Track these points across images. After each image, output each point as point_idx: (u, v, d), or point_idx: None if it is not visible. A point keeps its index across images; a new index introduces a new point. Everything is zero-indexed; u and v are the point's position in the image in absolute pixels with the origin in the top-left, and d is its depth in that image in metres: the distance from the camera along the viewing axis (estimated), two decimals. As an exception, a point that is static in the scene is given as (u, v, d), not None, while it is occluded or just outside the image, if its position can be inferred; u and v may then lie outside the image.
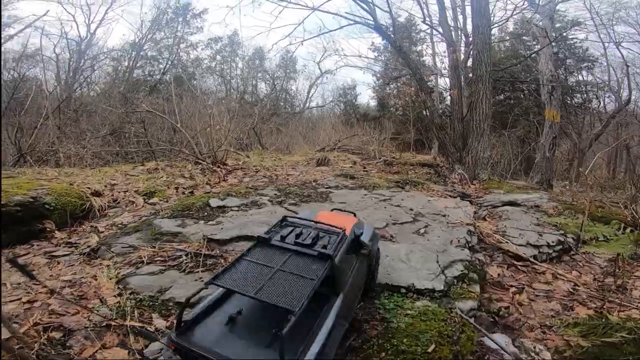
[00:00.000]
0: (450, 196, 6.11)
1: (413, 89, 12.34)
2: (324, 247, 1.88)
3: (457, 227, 4.07)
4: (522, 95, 17.80)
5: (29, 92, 9.30)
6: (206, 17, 25.54)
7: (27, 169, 6.11)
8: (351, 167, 9.35)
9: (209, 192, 5.21)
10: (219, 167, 7.01)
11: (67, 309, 2.30)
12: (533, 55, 14.28)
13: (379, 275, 2.65)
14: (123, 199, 4.91)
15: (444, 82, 19.76)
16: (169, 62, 24.52)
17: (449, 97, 14.48)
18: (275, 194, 5.13)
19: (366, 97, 36.37)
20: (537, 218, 4.85)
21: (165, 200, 4.96)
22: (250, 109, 16.15)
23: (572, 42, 16.76)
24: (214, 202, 4.51)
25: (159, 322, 2.25)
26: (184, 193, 5.28)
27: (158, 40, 24.69)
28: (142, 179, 5.64)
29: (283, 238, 1.92)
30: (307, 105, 30.06)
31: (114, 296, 2.45)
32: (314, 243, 1.91)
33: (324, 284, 1.71)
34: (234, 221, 3.82)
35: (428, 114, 9.83)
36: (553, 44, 12.12)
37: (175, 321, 1.58)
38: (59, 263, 3.11)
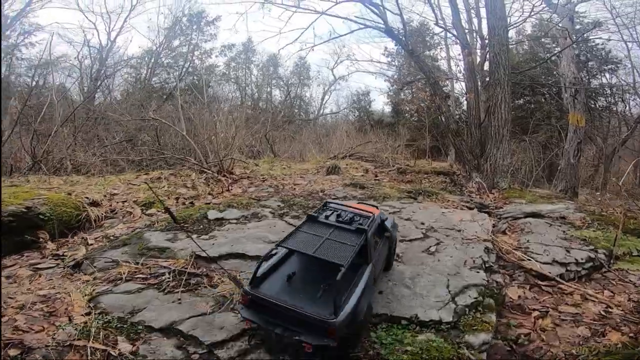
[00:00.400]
0: (466, 207, 5.71)
1: (428, 93, 11.94)
2: (360, 224, 2.38)
3: (472, 243, 3.73)
4: (543, 99, 17.10)
5: (45, 100, 9.42)
6: (219, 24, 25.87)
7: (32, 177, 6.08)
8: (362, 175, 9.03)
9: (209, 203, 5.01)
10: (224, 176, 6.82)
11: (32, 326, 2.17)
12: (554, 57, 13.65)
13: (377, 306, 2.52)
14: (121, 209, 4.78)
15: (459, 86, 19.25)
16: (184, 70, 24.87)
17: (465, 103, 13.95)
18: (278, 206, 4.89)
19: (380, 104, 35.89)
20: (564, 231, 4.42)
21: (163, 211, 4.78)
22: (263, 115, 16.07)
23: (593, 44, 16.01)
24: (212, 214, 4.30)
25: (124, 346, 2.05)
26: (184, 204, 5.10)
27: (174, 47, 25.12)
28: (143, 188, 5.50)
29: (327, 217, 2.48)
30: (321, 111, 29.94)
31: (82, 315, 2.27)
32: (351, 222, 2.44)
33: (358, 255, 2.15)
34: (229, 236, 3.59)
35: (444, 119, 9.37)
36: (574, 45, 11.50)
37: (250, 277, 2.06)
38: (40, 276, 2.97)
